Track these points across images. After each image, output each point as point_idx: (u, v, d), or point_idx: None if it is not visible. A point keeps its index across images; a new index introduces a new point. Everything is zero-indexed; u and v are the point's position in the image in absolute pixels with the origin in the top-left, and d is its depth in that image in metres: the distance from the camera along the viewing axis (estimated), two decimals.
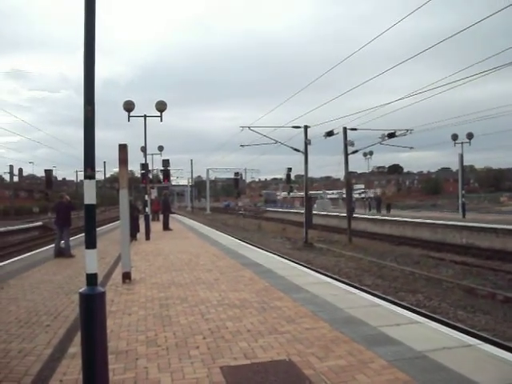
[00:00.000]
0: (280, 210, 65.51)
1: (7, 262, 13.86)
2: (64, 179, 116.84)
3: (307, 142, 25.34)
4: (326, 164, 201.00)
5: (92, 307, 3.66)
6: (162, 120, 19.75)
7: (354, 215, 31.45)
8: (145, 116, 20.91)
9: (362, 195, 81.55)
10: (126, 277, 9.76)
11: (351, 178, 35.56)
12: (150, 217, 24.41)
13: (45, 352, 5.16)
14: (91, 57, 3.83)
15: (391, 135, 26.52)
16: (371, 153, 42.79)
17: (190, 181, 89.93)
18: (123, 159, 9.63)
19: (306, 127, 25.29)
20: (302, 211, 29.19)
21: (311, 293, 8.16)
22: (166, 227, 26.38)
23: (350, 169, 28.51)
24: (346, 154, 26.79)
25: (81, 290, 3.70)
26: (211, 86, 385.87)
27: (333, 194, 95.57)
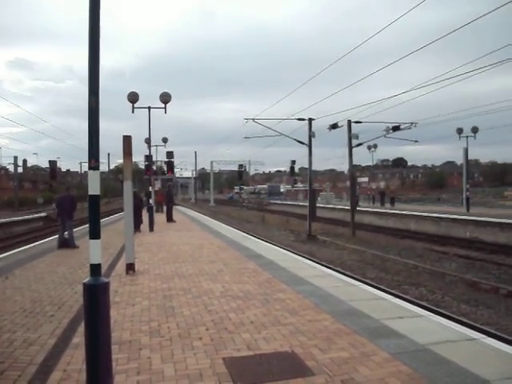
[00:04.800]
0: (283, 202, 65.34)
1: (12, 252, 13.94)
2: (68, 170, 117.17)
3: (311, 135, 25.26)
4: (331, 157, 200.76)
5: (96, 297, 3.66)
6: (166, 112, 19.74)
7: (358, 208, 31.44)
8: (149, 108, 20.89)
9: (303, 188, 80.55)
10: (130, 268, 9.80)
11: (355, 171, 35.45)
12: (154, 208, 24.42)
13: (49, 342, 5.20)
14: (96, 47, 3.81)
15: (396, 128, 26.43)
16: (375, 146, 42.55)
17: (194, 173, 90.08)
18: (127, 150, 9.64)
19: (310, 120, 25.21)
20: (306, 204, 29.19)
21: (314, 285, 8.18)
22: (169, 219, 26.43)
23: (354, 162, 28.46)
24: (351, 147, 26.70)
25: (85, 281, 3.70)
26: (215, 75, 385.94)
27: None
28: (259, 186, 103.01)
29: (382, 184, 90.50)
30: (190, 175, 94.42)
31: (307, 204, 27.23)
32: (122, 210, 12.15)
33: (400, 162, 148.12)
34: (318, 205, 35.16)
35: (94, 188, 3.81)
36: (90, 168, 3.82)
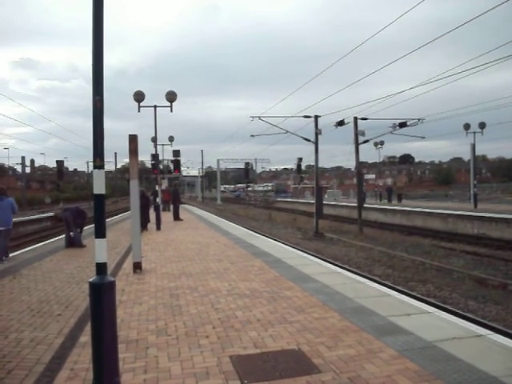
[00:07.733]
0: (287, 199, 65.40)
1: (19, 251, 14.00)
2: (75, 170, 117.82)
3: (318, 132, 25.20)
4: (337, 154, 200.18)
5: (101, 296, 3.67)
6: (172, 110, 19.74)
7: (365, 205, 31.35)
8: (155, 106, 20.91)
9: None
10: (137, 267, 9.82)
11: (362, 168, 35.33)
12: (161, 207, 24.47)
13: (56, 341, 5.22)
14: (100, 46, 3.81)
15: (402, 125, 26.33)
16: (382, 142, 42.29)
17: (201, 171, 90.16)
18: (133, 149, 9.65)
19: (316, 117, 25.13)
20: (313, 201, 29.13)
21: (321, 282, 8.16)
22: (176, 217, 26.47)
23: (361, 159, 28.31)
24: (357, 144, 26.60)
25: (90, 280, 3.71)
26: (220, 72, 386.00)
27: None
28: (239, 185, 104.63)
29: (389, 181, 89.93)
30: (197, 173, 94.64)
31: (314, 201, 27.18)
32: (129, 208, 12.18)
33: (407, 159, 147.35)
34: (324, 202, 35.04)
35: (99, 187, 3.82)
36: (94, 167, 3.83)
